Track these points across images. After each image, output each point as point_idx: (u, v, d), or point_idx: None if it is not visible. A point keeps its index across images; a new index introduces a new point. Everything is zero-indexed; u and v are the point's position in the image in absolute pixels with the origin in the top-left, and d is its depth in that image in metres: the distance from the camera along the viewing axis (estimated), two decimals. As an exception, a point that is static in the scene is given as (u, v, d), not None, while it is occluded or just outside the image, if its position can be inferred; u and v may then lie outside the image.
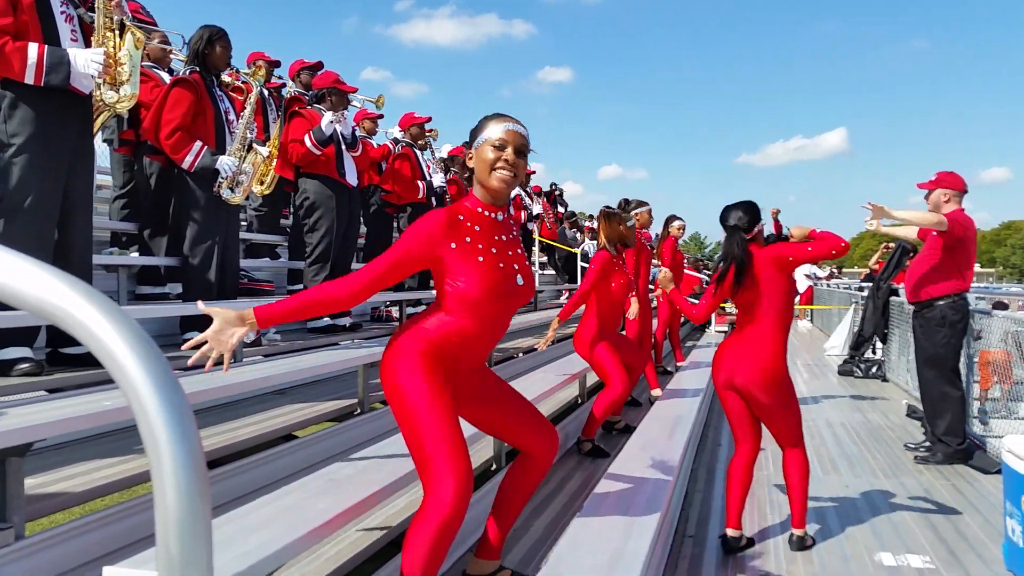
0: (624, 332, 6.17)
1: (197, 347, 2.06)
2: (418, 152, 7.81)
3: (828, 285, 17.64)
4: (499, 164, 2.25)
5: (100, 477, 2.75)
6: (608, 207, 5.38)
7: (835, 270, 23.65)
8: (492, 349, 2.40)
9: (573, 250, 13.06)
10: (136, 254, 5.36)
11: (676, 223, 8.09)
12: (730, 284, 3.45)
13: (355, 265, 7.17)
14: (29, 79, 3.37)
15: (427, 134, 7.97)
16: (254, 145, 5.00)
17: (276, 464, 3.45)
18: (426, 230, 2.20)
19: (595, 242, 8.82)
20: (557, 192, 15.09)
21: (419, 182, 7.66)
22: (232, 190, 4.77)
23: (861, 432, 6.22)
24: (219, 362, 2.08)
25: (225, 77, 5.14)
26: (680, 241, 8.28)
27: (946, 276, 5.12)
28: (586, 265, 5.49)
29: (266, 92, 6.44)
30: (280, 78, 7.16)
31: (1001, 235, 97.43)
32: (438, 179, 7.92)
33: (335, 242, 5.88)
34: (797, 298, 16.74)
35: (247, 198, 6.24)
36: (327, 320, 6.01)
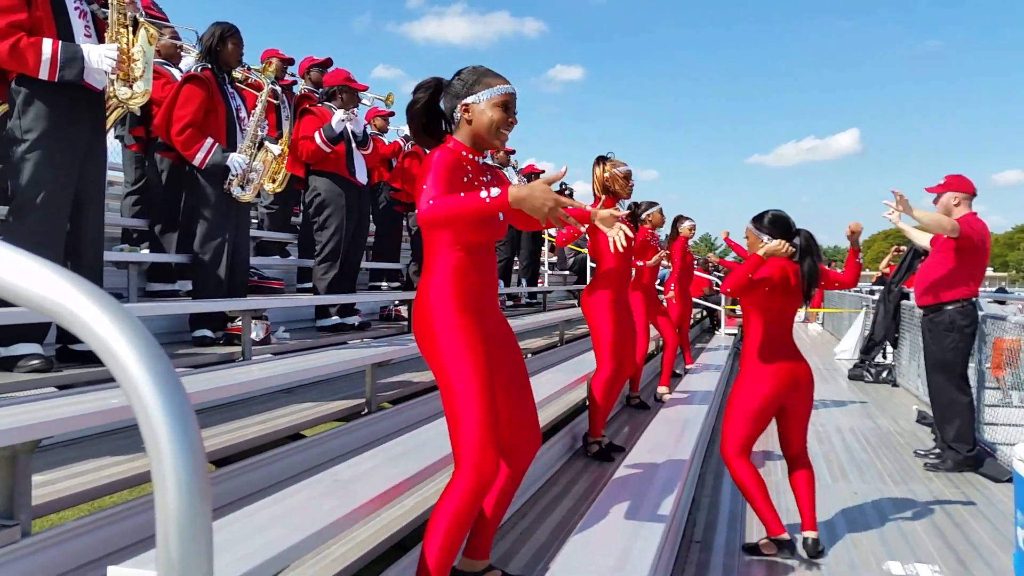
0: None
1: None
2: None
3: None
4: (505, 126, 2.36)
5: (108, 475, 2.75)
6: (601, 155, 5.09)
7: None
8: (496, 289, 2.46)
9: (582, 250, 13.03)
10: (147, 251, 5.38)
11: (686, 223, 8.05)
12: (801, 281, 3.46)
13: (365, 263, 7.19)
14: (43, 75, 3.38)
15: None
16: (265, 143, 5.01)
17: (283, 463, 3.45)
18: (452, 159, 2.26)
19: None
20: (567, 192, 15.07)
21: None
22: (242, 188, 4.78)
23: (871, 438, 6.19)
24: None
25: (237, 74, 5.15)
26: (690, 242, 8.25)
27: (956, 280, 5.08)
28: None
29: (279, 90, 6.45)
30: (292, 75, 7.18)
31: (1015, 238, 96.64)
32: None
33: (345, 240, 5.88)
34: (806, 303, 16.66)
35: (258, 196, 6.26)
36: (336, 319, 6.02)
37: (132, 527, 2.48)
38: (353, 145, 6.02)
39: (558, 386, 4.53)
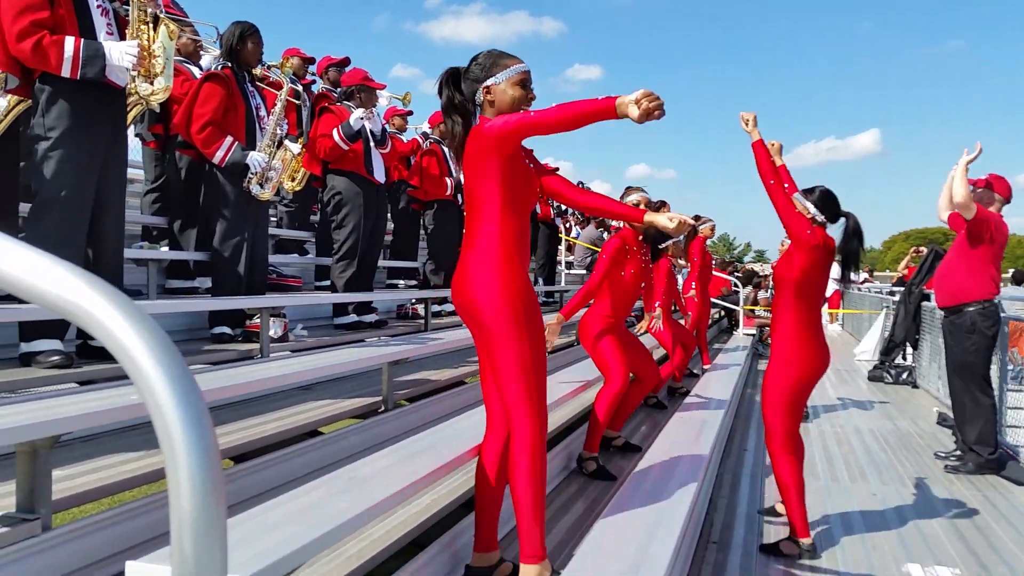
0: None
1: None
2: (446, 149, 7.82)
3: (859, 289, 17.43)
4: (525, 102, 2.50)
5: (128, 470, 2.78)
6: (632, 187, 5.02)
7: (868, 274, 23.32)
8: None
9: (597, 248, 13.00)
10: (166, 248, 5.42)
11: (706, 223, 8.01)
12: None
13: (382, 262, 7.21)
14: (66, 72, 3.41)
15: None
16: (285, 142, 5.03)
17: (300, 460, 3.46)
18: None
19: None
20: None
21: (447, 179, 7.68)
22: (261, 186, 4.80)
23: (890, 439, 6.13)
24: None
25: (257, 73, 5.18)
26: (709, 242, 8.20)
27: (976, 281, 5.02)
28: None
29: (300, 89, 6.48)
30: (312, 74, 7.21)
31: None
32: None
33: (362, 238, 5.90)
34: (825, 303, 16.56)
35: (277, 194, 6.30)
36: (353, 317, 6.04)
37: (151, 522, 2.50)
38: (371, 144, 6.03)
39: (562, 392, 4.47)
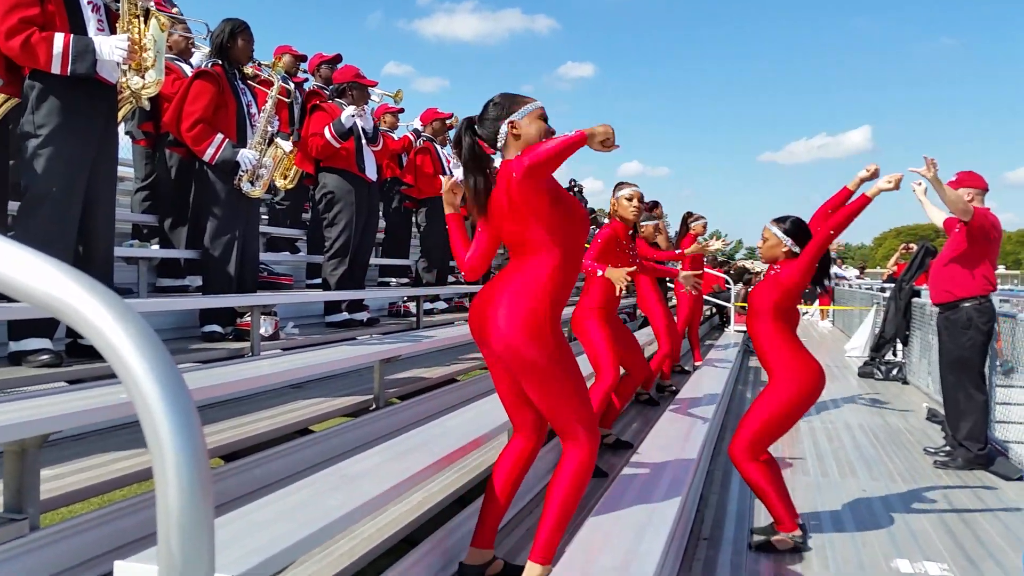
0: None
1: None
2: (439, 147, 7.82)
3: (851, 285, 17.50)
4: (547, 134, 2.65)
5: (117, 469, 2.77)
6: (623, 181, 5.05)
7: (860, 271, 23.42)
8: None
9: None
10: (157, 246, 5.40)
11: (698, 221, 8.04)
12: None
13: (374, 260, 7.20)
14: (55, 69, 3.39)
15: (448, 130, 7.97)
16: (276, 139, 5.02)
17: (291, 458, 3.46)
18: None
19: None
20: (576, 188, 15.05)
21: (440, 176, 7.65)
22: (252, 183, 4.79)
23: (880, 435, 6.16)
24: None
25: (248, 70, 5.17)
26: (700, 239, 8.21)
27: (972, 277, 5.05)
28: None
29: (291, 86, 6.46)
30: (304, 72, 7.20)
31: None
32: (459, 173, 7.90)
33: (354, 236, 5.89)
34: (816, 300, 16.61)
35: (269, 192, 6.28)
36: (345, 315, 6.03)
37: (140, 521, 2.49)
38: (363, 141, 6.03)
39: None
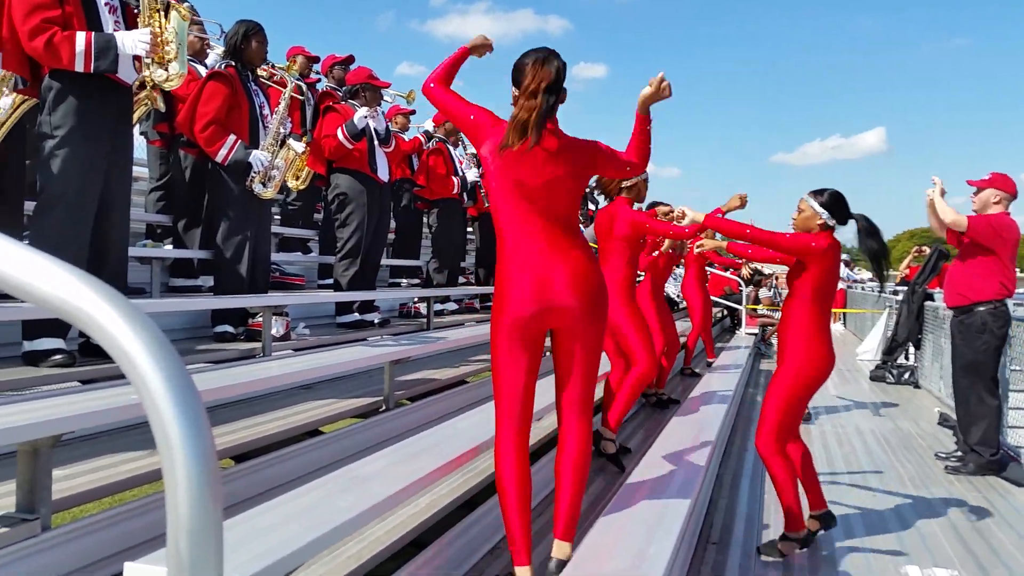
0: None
1: None
2: (451, 148, 7.84)
3: (863, 288, 17.40)
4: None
5: (129, 469, 2.79)
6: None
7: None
8: None
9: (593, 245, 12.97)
10: (170, 246, 5.44)
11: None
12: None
13: (385, 260, 7.22)
14: (79, 67, 3.42)
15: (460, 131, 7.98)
16: (289, 140, 5.04)
17: (301, 459, 3.48)
18: None
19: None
20: (586, 189, 15.03)
21: (453, 177, 7.69)
22: (264, 185, 4.81)
23: (891, 440, 6.13)
24: None
25: (261, 72, 5.19)
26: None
27: (988, 281, 5.02)
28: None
29: (305, 87, 6.49)
30: (317, 73, 7.22)
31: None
32: (471, 174, 7.93)
33: (366, 237, 5.91)
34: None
35: (281, 192, 6.31)
36: (356, 315, 6.05)
37: (151, 522, 2.51)
38: (375, 142, 6.05)
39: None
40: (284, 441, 3.62)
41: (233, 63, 4.89)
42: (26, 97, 3.55)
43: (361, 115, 5.81)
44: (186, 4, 5.01)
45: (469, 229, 9.16)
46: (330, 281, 6.36)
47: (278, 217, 7.26)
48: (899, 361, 9.54)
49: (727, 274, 13.41)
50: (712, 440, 4.09)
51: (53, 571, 2.14)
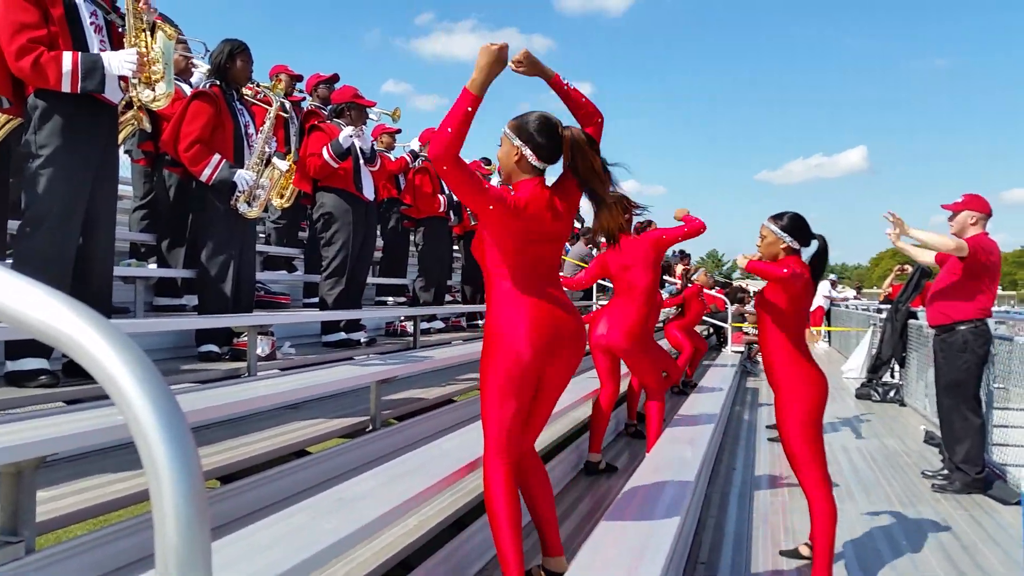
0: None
1: None
2: (436, 167, 7.85)
3: (847, 306, 17.51)
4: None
5: (114, 491, 2.75)
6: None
7: (856, 291, 23.44)
8: None
9: (582, 264, 13.00)
10: (154, 265, 5.40)
11: (700, 271, 8.28)
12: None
13: (371, 279, 7.20)
14: (66, 87, 3.41)
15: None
16: (273, 159, 5.03)
17: (289, 480, 3.44)
18: None
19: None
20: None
21: (439, 196, 7.70)
22: (249, 204, 4.79)
23: (878, 458, 6.15)
24: None
25: (245, 91, 5.19)
26: (696, 258, 8.24)
27: (968, 300, 5.06)
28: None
29: (288, 106, 6.49)
30: (300, 91, 7.23)
31: (1023, 257, 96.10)
32: (459, 194, 7.93)
33: (351, 256, 5.90)
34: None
35: (265, 210, 6.29)
36: (342, 335, 6.03)
37: (137, 543, 2.47)
38: (361, 161, 6.05)
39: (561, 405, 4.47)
40: (271, 461, 3.58)
41: (218, 82, 4.88)
42: (11, 117, 3.53)
43: (347, 134, 5.82)
44: (171, 24, 5.02)
45: (455, 247, 9.17)
46: (315, 300, 6.34)
47: (263, 235, 7.24)
48: (884, 379, 9.59)
49: (712, 291, 13.48)
50: (700, 459, 4.08)
51: (36, 596, 2.11)
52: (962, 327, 5.08)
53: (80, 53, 3.45)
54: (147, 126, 4.71)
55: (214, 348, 4.73)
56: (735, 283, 13.17)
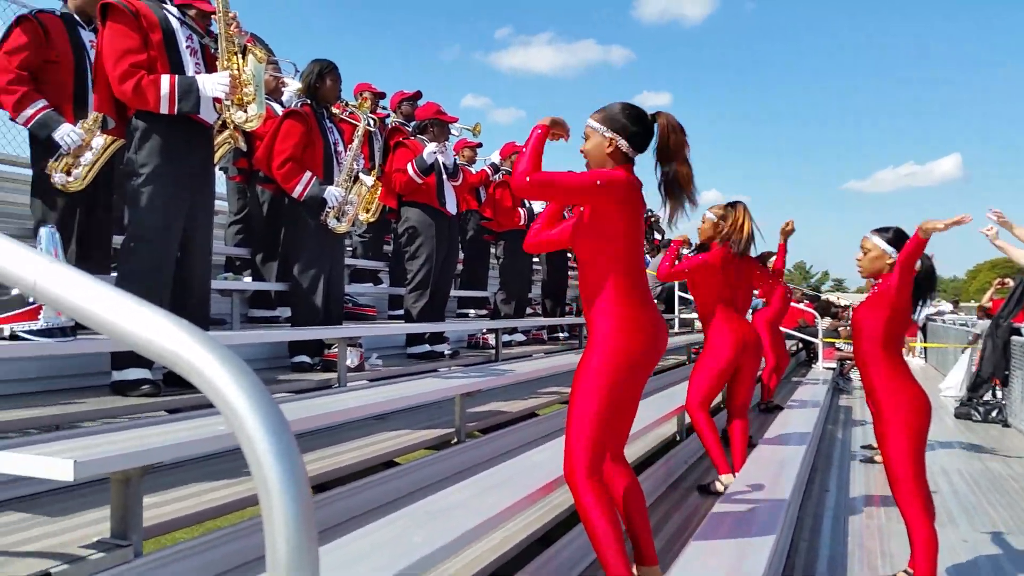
0: None
1: None
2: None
3: (943, 321, 16.79)
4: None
5: (215, 498, 2.82)
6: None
7: (953, 305, 22.48)
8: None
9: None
10: (249, 279, 5.58)
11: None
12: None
13: (452, 292, 7.27)
14: (164, 109, 3.58)
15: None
16: (360, 175, 5.15)
17: (377, 491, 3.48)
18: None
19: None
20: (653, 219, 14.91)
21: (519, 209, 7.74)
22: (338, 219, 4.91)
23: (981, 481, 5.85)
24: None
25: (334, 109, 5.33)
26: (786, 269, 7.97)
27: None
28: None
29: (373, 123, 6.63)
30: (384, 108, 7.38)
31: None
32: (538, 205, 7.96)
33: (435, 269, 5.98)
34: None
35: (352, 225, 6.44)
36: (427, 347, 6.10)
37: (239, 549, 2.54)
38: (444, 176, 6.13)
39: (643, 423, 4.39)
40: (359, 472, 3.63)
41: (309, 102, 5.03)
42: (114, 138, 3.73)
43: (430, 150, 5.91)
44: (261, 46, 5.20)
45: (536, 260, 9.18)
46: (400, 312, 6.43)
47: (350, 249, 7.41)
48: (985, 398, 9.12)
49: (802, 306, 13.09)
50: (792, 480, 3.96)
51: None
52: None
53: (177, 76, 3.62)
54: (242, 145, 4.88)
55: (306, 359, 4.86)
56: (823, 296, 12.74)
